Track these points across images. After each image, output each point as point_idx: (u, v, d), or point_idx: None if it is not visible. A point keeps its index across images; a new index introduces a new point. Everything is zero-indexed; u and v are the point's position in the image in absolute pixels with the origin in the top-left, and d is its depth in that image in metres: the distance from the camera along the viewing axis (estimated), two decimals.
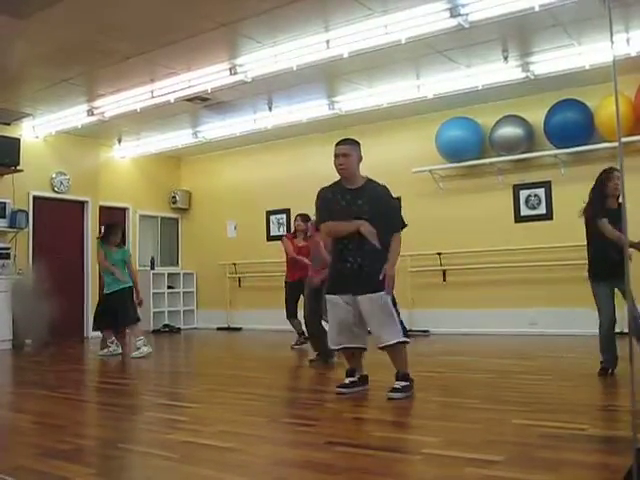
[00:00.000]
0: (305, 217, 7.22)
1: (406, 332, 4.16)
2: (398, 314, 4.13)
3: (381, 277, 4.06)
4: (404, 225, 4.29)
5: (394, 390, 4.02)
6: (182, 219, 11.55)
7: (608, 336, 4.59)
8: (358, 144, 4.33)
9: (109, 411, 4.08)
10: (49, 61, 6.60)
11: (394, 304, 4.14)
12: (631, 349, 2.33)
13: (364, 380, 4.36)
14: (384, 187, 4.29)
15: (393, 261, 4.15)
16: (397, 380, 4.09)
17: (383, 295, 4.05)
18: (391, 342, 4.07)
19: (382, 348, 4.13)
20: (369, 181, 4.29)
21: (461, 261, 8.48)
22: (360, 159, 4.28)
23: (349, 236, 4.13)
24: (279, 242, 9.71)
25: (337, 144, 4.30)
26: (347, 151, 4.21)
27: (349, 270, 4.15)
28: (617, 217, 4.42)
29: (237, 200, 10.69)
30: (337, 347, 4.34)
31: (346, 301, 4.15)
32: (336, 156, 4.23)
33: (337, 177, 4.33)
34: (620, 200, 4.61)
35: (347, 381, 4.27)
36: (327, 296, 4.29)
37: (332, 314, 4.25)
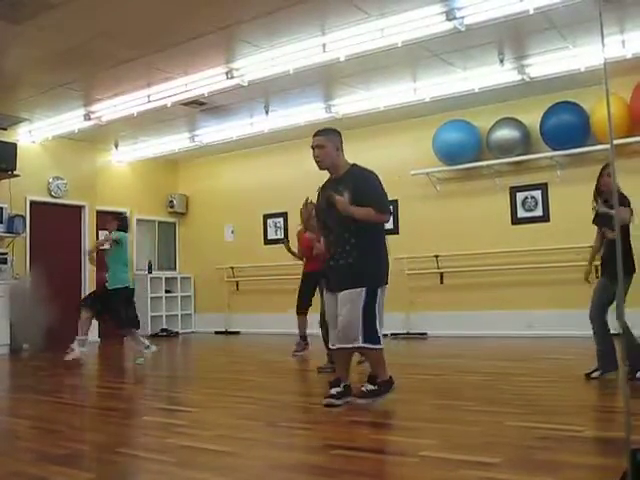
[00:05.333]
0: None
1: (373, 337, 3.87)
2: (372, 316, 3.87)
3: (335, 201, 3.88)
4: (386, 209, 4.01)
5: (360, 395, 3.90)
6: (179, 223, 11.55)
7: (595, 326, 4.56)
8: (334, 132, 4.14)
9: (107, 415, 4.07)
10: (45, 66, 6.61)
11: (371, 304, 3.87)
12: (624, 351, 2.33)
13: (349, 390, 4.05)
14: (367, 171, 4.06)
15: (355, 209, 3.88)
16: (367, 382, 3.96)
17: (355, 291, 3.84)
18: (337, 346, 3.96)
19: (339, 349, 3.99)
20: (353, 167, 4.10)
21: (458, 263, 8.49)
22: (338, 148, 4.08)
23: (333, 230, 4.04)
24: (277, 245, 9.73)
25: (313, 135, 4.14)
26: (321, 142, 4.06)
27: (333, 267, 4.04)
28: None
29: (234, 204, 10.69)
30: (330, 346, 4.25)
31: (334, 299, 4.05)
32: (312, 148, 4.09)
33: None
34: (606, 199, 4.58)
35: (334, 392, 3.99)
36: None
37: (326, 310, 4.24)
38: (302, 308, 6.82)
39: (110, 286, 6.61)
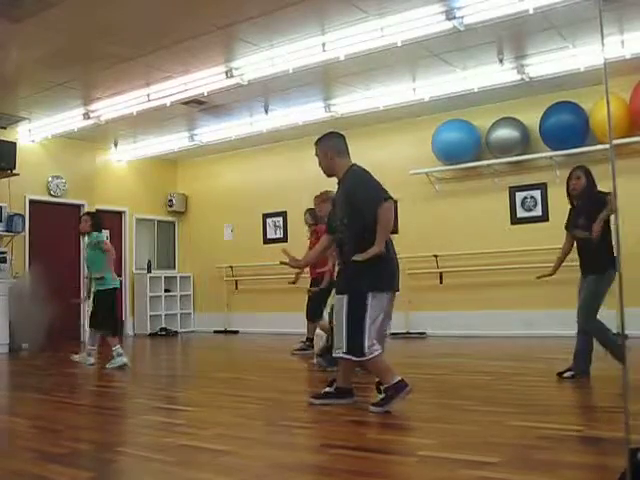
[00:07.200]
0: (312, 210, 6.66)
1: (355, 348, 3.71)
2: (356, 325, 3.71)
3: (358, 258, 3.73)
4: (384, 196, 3.78)
5: (374, 404, 3.74)
6: (179, 222, 11.56)
7: (593, 332, 4.51)
8: (327, 138, 4.08)
9: (106, 415, 4.07)
10: (45, 65, 6.61)
11: (354, 312, 3.75)
12: (624, 350, 2.33)
13: (344, 393, 3.95)
14: (353, 172, 3.95)
15: (379, 239, 3.75)
16: (376, 390, 3.84)
17: (339, 297, 3.85)
18: (335, 355, 3.88)
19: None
20: (350, 168, 3.99)
21: (458, 263, 8.49)
22: (330, 153, 3.99)
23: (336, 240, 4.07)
24: (276, 245, 9.74)
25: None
26: (316, 151, 4.10)
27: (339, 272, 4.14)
28: (575, 215, 4.75)
29: (233, 203, 10.69)
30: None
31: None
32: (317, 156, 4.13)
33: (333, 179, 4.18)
34: (578, 201, 4.75)
35: (322, 391, 4.04)
36: None
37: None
38: (316, 317, 6.66)
39: (101, 287, 6.23)
